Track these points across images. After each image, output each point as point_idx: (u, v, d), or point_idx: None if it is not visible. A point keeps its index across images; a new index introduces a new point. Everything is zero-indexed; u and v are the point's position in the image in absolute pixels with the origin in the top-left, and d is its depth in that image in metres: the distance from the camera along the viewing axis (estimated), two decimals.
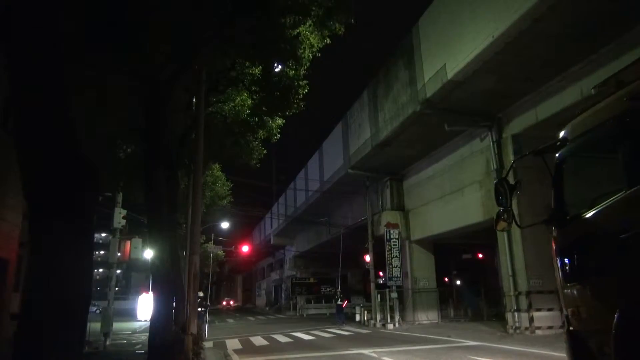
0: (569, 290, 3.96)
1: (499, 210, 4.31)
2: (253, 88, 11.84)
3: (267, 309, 51.51)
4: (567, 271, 3.97)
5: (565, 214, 3.99)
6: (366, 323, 21.89)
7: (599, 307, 3.58)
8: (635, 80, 3.37)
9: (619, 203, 3.32)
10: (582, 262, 3.79)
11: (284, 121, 13.57)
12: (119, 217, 15.18)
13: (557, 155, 4.11)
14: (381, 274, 23.70)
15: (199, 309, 14.62)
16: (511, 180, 4.40)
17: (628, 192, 3.23)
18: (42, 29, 4.27)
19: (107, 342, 13.90)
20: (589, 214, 3.66)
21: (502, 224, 4.31)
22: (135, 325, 25.95)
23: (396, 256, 20.89)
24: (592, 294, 3.70)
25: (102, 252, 44.64)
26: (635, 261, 3.12)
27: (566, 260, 4.00)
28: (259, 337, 17.10)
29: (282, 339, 16.43)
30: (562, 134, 4.07)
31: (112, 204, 15.53)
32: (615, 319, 3.14)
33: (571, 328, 3.95)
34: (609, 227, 3.45)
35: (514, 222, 4.25)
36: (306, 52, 10.47)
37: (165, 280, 8.97)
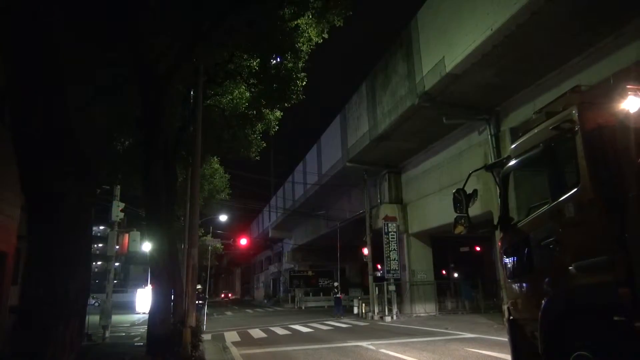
0: (510, 285, 4.72)
1: (457, 215, 5.01)
2: (251, 81, 11.79)
3: (266, 301, 51.66)
4: (508, 269, 4.73)
5: (509, 220, 4.76)
6: (364, 315, 22.00)
7: (530, 299, 4.28)
8: (559, 112, 4.00)
9: (544, 214, 4.05)
10: (518, 262, 4.53)
11: (282, 114, 13.54)
12: (117, 210, 15.19)
13: (502, 170, 4.89)
14: (379, 266, 23.80)
15: (198, 302, 14.66)
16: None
17: (551, 205, 3.94)
18: (40, 24, 4.24)
19: (106, 335, 13.95)
20: (523, 222, 4.45)
21: (459, 228, 5.00)
22: (134, 317, 26.05)
23: (394, 249, 20.95)
24: (525, 289, 4.46)
25: (100, 245, 44.65)
26: (556, 263, 3.80)
27: (507, 260, 4.75)
28: (258, 330, 17.18)
29: (280, 331, 16.50)
30: (508, 152, 4.83)
31: (110, 197, 15.52)
32: (541, 307, 3.83)
33: (511, 317, 4.69)
34: (537, 233, 4.13)
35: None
36: (305, 45, 10.42)
37: (164, 273, 8.99)
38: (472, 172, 5.33)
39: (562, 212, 3.76)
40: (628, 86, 3.62)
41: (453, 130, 17.61)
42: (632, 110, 3.50)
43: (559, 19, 10.46)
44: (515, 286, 4.61)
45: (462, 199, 4.97)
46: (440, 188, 18.99)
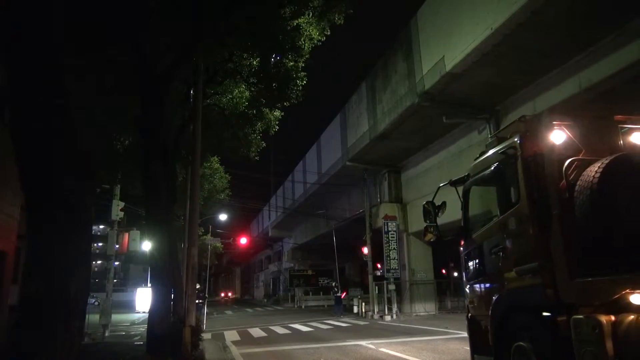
0: (469, 287, 5.48)
1: (427, 224, 5.79)
2: (251, 80, 11.77)
3: (265, 300, 51.69)
4: (467, 272, 5.50)
5: (469, 230, 5.46)
6: (364, 315, 22.01)
7: (483, 299, 5.04)
8: (508, 139, 4.71)
9: (494, 226, 4.80)
10: (474, 266, 5.28)
11: (282, 113, 13.52)
12: (117, 209, 15.20)
13: (463, 186, 5.62)
14: (379, 266, 23.78)
15: (197, 301, 14.67)
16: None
17: (499, 218, 4.67)
18: (40, 22, 4.24)
19: (106, 334, 13.98)
20: (479, 232, 5.16)
21: (429, 236, 5.83)
22: (134, 317, 26.05)
23: (394, 248, 20.95)
24: (480, 290, 5.21)
25: (100, 244, 44.65)
26: (502, 268, 4.56)
27: (466, 264, 5.49)
28: (257, 329, 17.19)
29: (280, 330, 16.51)
30: (468, 171, 5.57)
31: (110, 196, 15.52)
32: (491, 305, 4.64)
33: (470, 314, 5.49)
34: (488, 242, 4.87)
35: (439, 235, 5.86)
36: (306, 43, 10.40)
37: (164, 272, 8.99)
38: (440, 186, 5.96)
39: (506, 225, 4.49)
40: (554, 122, 4.30)
41: (453, 130, 17.59)
42: (557, 142, 4.23)
43: (559, 19, 10.45)
44: (473, 287, 5.36)
45: (431, 210, 5.74)
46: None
